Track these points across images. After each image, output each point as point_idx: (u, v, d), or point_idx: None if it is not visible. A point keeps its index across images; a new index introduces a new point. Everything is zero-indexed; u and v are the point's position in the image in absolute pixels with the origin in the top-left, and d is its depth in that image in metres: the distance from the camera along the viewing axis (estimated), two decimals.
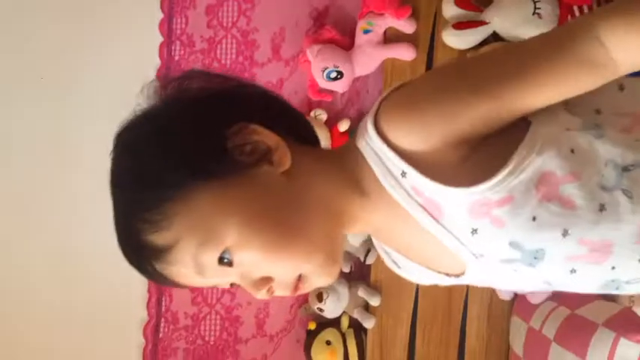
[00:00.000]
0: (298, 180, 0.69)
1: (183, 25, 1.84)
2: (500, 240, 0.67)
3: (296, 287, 0.70)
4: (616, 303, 1.67)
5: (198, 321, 1.95)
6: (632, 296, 1.65)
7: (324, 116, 1.87)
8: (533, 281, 0.74)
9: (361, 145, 0.69)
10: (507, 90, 0.63)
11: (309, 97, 1.87)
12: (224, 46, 1.87)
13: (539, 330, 1.70)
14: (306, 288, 0.71)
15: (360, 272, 1.96)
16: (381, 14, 1.76)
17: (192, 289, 1.92)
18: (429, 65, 1.79)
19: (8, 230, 1.77)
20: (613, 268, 0.69)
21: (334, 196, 0.71)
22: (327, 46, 1.80)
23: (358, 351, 1.90)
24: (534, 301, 1.77)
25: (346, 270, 1.93)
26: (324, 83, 1.80)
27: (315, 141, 0.79)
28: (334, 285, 1.88)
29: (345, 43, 1.83)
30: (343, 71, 1.78)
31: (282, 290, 0.71)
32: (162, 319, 1.92)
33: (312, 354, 1.90)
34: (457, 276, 0.76)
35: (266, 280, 0.69)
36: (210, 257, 0.66)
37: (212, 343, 1.97)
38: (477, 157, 0.65)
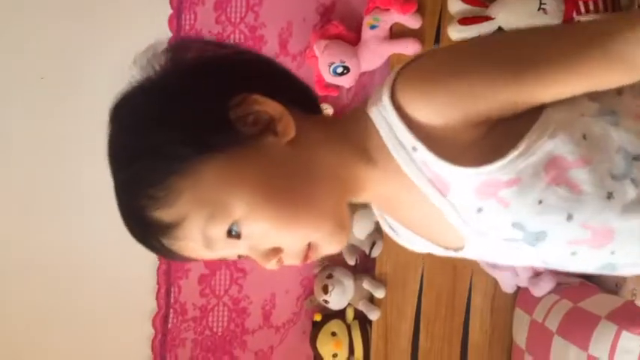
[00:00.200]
0: (304, 149, 0.68)
1: (192, 21, 1.85)
2: (503, 220, 0.67)
3: (306, 256, 0.69)
4: (618, 296, 1.67)
5: (206, 312, 1.96)
6: (634, 289, 1.65)
7: (330, 111, 1.87)
8: (531, 259, 0.74)
9: (373, 112, 0.67)
10: (538, 78, 0.62)
11: (316, 91, 1.88)
12: (232, 41, 1.87)
13: (542, 323, 1.71)
14: (316, 256, 0.70)
15: (365, 265, 1.97)
16: (387, 10, 1.77)
17: (200, 281, 1.94)
18: None
19: (19, 228, 1.77)
20: (612, 252, 0.69)
21: (341, 165, 0.70)
22: (333, 41, 1.81)
23: (363, 342, 1.91)
24: (537, 293, 1.78)
25: (351, 263, 1.94)
26: (330, 78, 1.81)
27: (317, 109, 0.77)
28: (340, 277, 1.89)
29: (352, 38, 1.84)
30: (349, 66, 1.79)
31: (291, 260, 0.70)
32: (171, 310, 1.93)
33: (318, 345, 1.92)
34: (455, 250, 0.75)
35: (275, 251, 0.68)
36: (219, 230, 0.65)
37: (220, 334, 1.99)
38: (489, 138, 0.65)
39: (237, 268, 1.96)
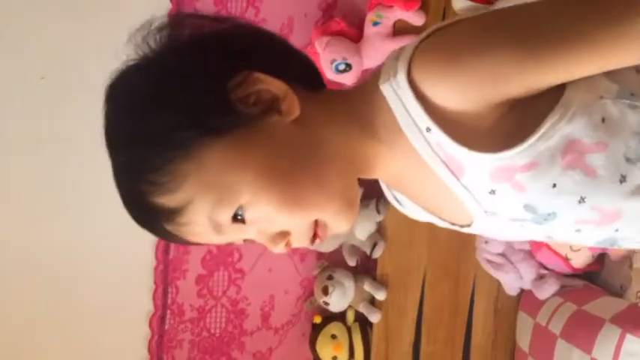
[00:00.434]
0: (309, 127, 0.66)
1: None
2: (516, 202, 0.66)
3: (314, 237, 0.68)
4: (623, 299, 1.67)
5: (204, 313, 1.95)
6: (639, 292, 1.65)
7: None
8: (536, 235, 0.74)
9: (385, 88, 0.65)
10: (564, 58, 0.59)
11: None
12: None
13: (546, 326, 1.70)
14: (325, 235, 0.69)
15: (366, 266, 1.96)
16: (390, 6, 1.76)
17: (198, 282, 1.92)
18: None
19: (17, 228, 1.77)
20: (616, 230, 0.70)
21: (347, 143, 0.68)
22: (335, 38, 1.79)
23: (363, 345, 1.90)
24: (541, 296, 1.77)
25: (352, 264, 1.93)
26: (332, 75, 1.80)
27: (321, 83, 0.74)
28: (340, 279, 1.88)
29: (354, 35, 1.83)
30: (352, 63, 1.78)
31: (300, 242, 0.69)
32: (169, 311, 1.92)
33: (318, 347, 1.91)
34: (462, 226, 0.75)
35: (283, 235, 0.67)
36: (226, 216, 0.64)
37: (218, 335, 1.98)
38: (508, 119, 0.63)
39: (235, 268, 1.95)
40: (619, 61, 0.61)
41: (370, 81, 0.69)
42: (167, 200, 0.63)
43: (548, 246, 1.76)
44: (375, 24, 1.78)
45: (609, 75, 0.64)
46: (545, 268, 1.82)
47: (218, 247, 1.90)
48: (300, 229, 0.67)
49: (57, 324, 1.82)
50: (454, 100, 0.62)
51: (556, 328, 1.65)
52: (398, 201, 0.81)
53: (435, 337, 1.92)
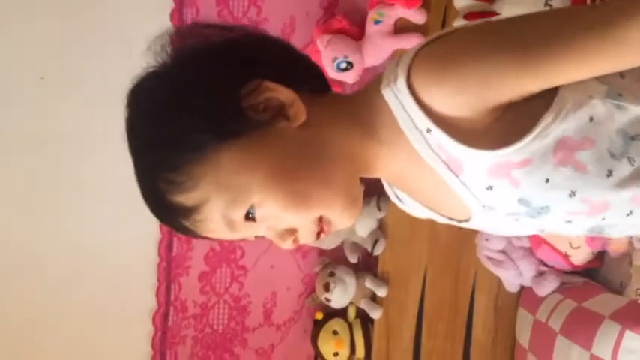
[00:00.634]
0: (314, 131, 0.70)
1: (194, 16, 1.84)
2: (511, 197, 0.70)
3: (319, 233, 0.73)
4: (623, 295, 1.67)
5: (206, 309, 1.96)
6: (638, 289, 1.65)
7: None
8: (529, 229, 0.78)
9: (386, 92, 0.69)
10: (559, 66, 0.62)
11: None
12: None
13: (546, 322, 1.71)
14: (330, 231, 0.73)
15: (367, 263, 1.96)
16: (392, 4, 1.76)
17: (200, 278, 1.93)
18: None
19: (18, 227, 1.77)
20: (603, 219, 0.74)
21: (349, 144, 0.72)
22: (337, 36, 1.80)
23: (365, 341, 1.91)
24: (541, 293, 1.77)
25: (353, 260, 1.93)
26: (334, 73, 1.80)
27: (326, 86, 0.78)
28: (342, 275, 1.89)
29: (356, 33, 1.83)
30: (353, 62, 1.78)
31: (306, 239, 0.73)
32: (172, 307, 1.93)
33: (319, 343, 1.92)
34: (460, 221, 0.79)
35: (291, 232, 0.72)
36: (239, 214, 0.69)
37: (220, 331, 1.98)
38: (505, 118, 0.66)
39: (237, 265, 1.95)
40: (614, 66, 0.64)
41: (372, 85, 0.73)
42: (184, 199, 0.68)
43: (547, 243, 1.77)
44: (377, 22, 1.78)
45: (598, 77, 0.67)
46: (545, 264, 1.82)
47: (221, 244, 1.90)
48: (306, 226, 0.72)
49: (61, 321, 1.82)
50: (451, 105, 0.65)
51: (556, 324, 1.66)
52: (399, 198, 0.84)
53: (435, 333, 1.92)
